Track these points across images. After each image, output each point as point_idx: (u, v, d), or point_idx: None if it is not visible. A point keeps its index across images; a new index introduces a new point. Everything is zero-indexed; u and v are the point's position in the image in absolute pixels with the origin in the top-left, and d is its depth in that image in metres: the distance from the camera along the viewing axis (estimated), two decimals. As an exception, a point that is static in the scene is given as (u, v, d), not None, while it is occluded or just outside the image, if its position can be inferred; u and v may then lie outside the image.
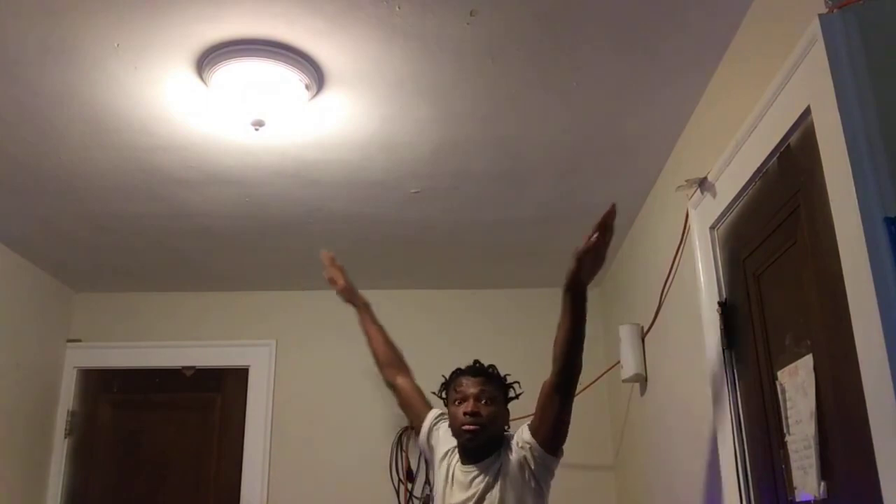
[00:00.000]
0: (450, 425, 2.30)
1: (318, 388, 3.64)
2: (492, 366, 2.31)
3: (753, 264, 1.85)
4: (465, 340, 3.60)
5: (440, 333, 3.66)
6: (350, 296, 2.59)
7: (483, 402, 2.20)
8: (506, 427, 2.30)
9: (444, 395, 2.33)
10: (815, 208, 1.49)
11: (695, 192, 2.14)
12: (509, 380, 2.32)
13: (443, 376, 2.37)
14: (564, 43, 1.91)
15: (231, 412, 3.62)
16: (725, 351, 1.98)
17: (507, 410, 2.30)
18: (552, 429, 2.12)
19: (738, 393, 1.93)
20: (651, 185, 2.68)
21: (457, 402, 2.23)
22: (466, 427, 2.18)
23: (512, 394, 2.31)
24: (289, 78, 1.98)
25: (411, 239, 3.16)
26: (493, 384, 2.26)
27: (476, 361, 2.32)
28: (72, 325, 3.71)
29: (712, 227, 2.07)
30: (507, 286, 3.71)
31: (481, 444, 2.20)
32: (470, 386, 2.22)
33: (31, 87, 2.07)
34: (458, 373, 2.31)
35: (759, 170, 1.75)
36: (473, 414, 2.18)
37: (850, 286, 1.34)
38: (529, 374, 2.28)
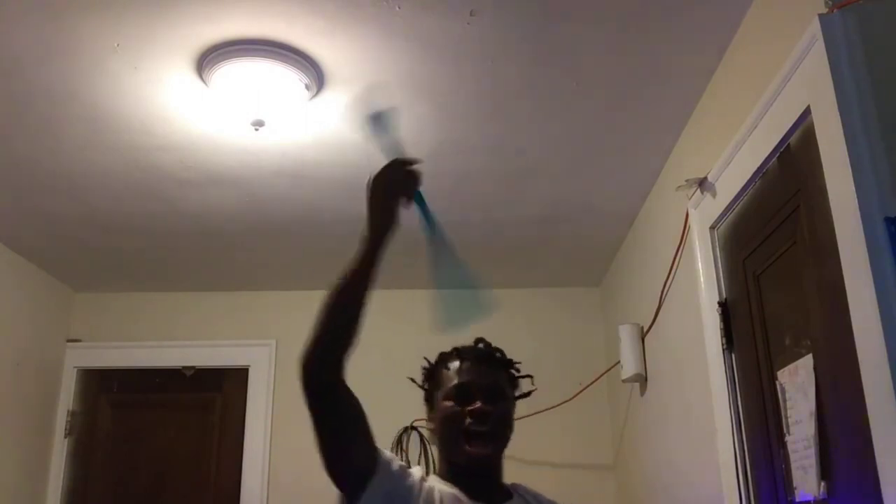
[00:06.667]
0: (437, 436, 1.57)
1: (318, 388, 3.63)
2: (499, 349, 1.69)
3: (753, 264, 1.85)
4: (465, 341, 3.59)
5: (440, 333, 3.64)
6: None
7: (495, 400, 1.51)
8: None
9: (426, 385, 1.66)
10: (815, 208, 1.50)
11: (695, 192, 2.14)
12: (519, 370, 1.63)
13: (426, 360, 1.71)
14: (564, 43, 1.91)
15: (231, 412, 3.61)
16: (725, 351, 1.98)
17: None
18: None
19: (738, 393, 1.93)
20: (651, 185, 2.67)
21: (452, 399, 1.53)
22: (476, 429, 1.47)
23: (521, 391, 1.63)
24: (289, 78, 1.98)
25: (411, 239, 3.15)
26: (504, 376, 1.60)
27: (480, 341, 1.69)
28: (72, 325, 3.70)
29: (712, 227, 2.07)
30: (507, 286, 3.70)
31: (494, 466, 1.51)
32: (477, 375, 1.56)
33: (32, 87, 2.07)
34: (454, 355, 1.65)
35: (759, 170, 1.75)
36: (483, 415, 1.47)
37: (850, 286, 1.34)
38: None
